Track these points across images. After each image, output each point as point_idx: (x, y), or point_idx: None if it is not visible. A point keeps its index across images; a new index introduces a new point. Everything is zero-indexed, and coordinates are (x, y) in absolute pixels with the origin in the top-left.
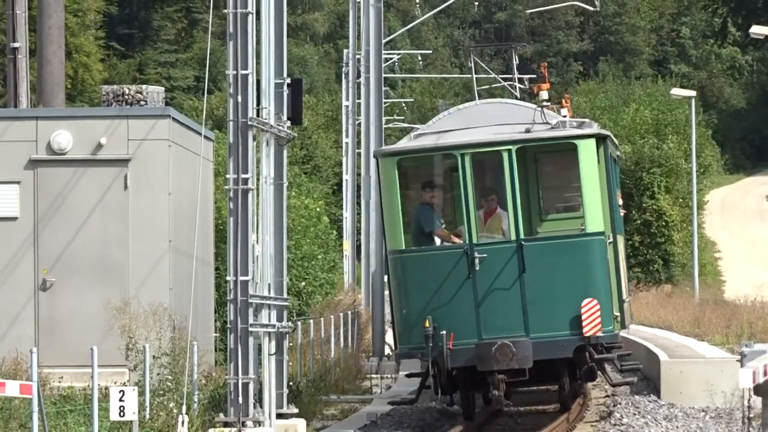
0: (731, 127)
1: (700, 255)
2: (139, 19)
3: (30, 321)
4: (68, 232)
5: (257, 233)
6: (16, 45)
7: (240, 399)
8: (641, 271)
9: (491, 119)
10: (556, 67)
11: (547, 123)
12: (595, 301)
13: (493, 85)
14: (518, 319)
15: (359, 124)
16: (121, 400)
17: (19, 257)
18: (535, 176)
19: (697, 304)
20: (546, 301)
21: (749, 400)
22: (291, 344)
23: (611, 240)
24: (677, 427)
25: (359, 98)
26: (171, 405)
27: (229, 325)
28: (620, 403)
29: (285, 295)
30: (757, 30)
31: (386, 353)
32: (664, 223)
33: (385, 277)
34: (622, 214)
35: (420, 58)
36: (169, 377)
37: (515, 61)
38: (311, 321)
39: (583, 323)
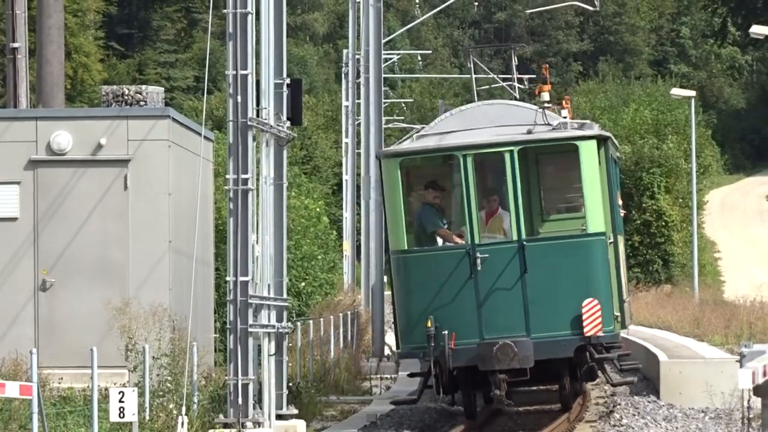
0: (731, 127)
1: (699, 255)
2: (138, 19)
3: (30, 321)
4: (68, 233)
5: (257, 233)
6: (15, 45)
7: (240, 400)
8: (641, 272)
9: (493, 120)
10: (556, 67)
11: (549, 124)
12: (596, 301)
13: (492, 86)
14: (519, 319)
15: (359, 125)
16: (120, 401)
17: (19, 258)
18: (537, 177)
19: (696, 304)
20: (547, 301)
21: (749, 400)
22: (291, 345)
23: (612, 240)
24: (677, 427)
25: (359, 98)
26: (171, 406)
27: (228, 326)
28: (620, 404)
29: (285, 296)
30: (756, 30)
31: (386, 354)
32: (663, 224)
33: (385, 278)
34: (622, 214)
35: (420, 58)
36: (169, 378)
37: (514, 62)
38: (311, 321)
39: (584, 323)
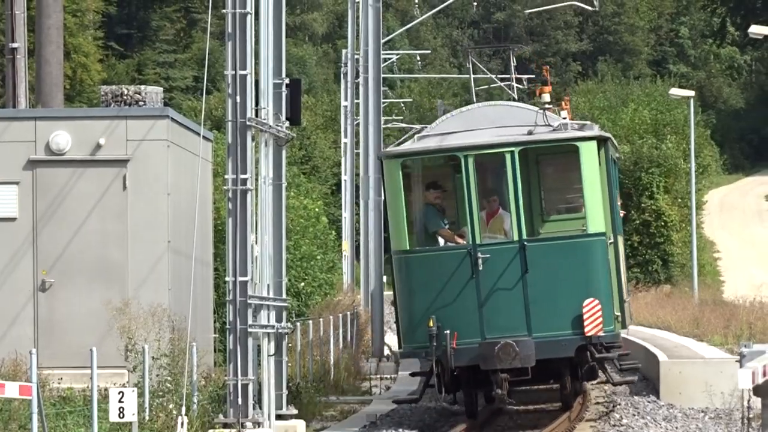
0: (730, 127)
1: (699, 255)
2: (137, 20)
3: (29, 322)
4: (67, 233)
5: (256, 234)
6: (14, 45)
7: (239, 400)
8: (640, 272)
9: (494, 121)
10: (555, 67)
11: (549, 125)
12: (597, 301)
13: (491, 85)
14: (521, 319)
15: (358, 125)
16: (120, 401)
17: (18, 258)
18: (537, 177)
19: (696, 304)
20: (548, 300)
21: (748, 400)
22: (290, 345)
23: (612, 241)
24: (677, 427)
25: (358, 98)
26: (170, 406)
27: (228, 326)
28: (619, 404)
29: (284, 296)
30: (755, 30)
31: (385, 354)
32: (663, 224)
33: (385, 278)
34: (621, 215)
35: (419, 58)
36: (169, 378)
37: (513, 63)
38: (310, 322)
39: (585, 323)
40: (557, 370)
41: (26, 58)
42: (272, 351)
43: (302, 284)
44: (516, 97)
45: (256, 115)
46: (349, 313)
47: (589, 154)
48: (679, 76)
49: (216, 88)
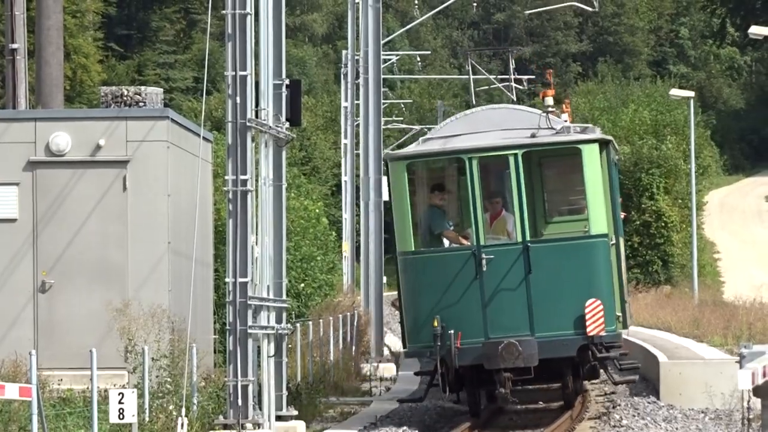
0: (730, 127)
1: (699, 256)
2: (137, 20)
3: (29, 323)
4: (67, 234)
5: (256, 235)
6: (14, 46)
7: (239, 401)
8: (640, 272)
9: (497, 124)
10: (555, 68)
11: (552, 128)
12: (599, 302)
13: (491, 86)
14: (524, 319)
15: (358, 125)
16: (120, 402)
17: (19, 259)
18: (540, 180)
19: (696, 305)
20: (551, 301)
21: (748, 401)
22: (290, 346)
23: (614, 242)
24: (677, 428)
25: (358, 99)
26: (170, 407)
27: (228, 327)
28: (619, 405)
29: (284, 297)
30: (755, 30)
31: (385, 355)
32: (663, 224)
33: (385, 278)
34: (622, 216)
35: (419, 59)
36: (169, 379)
37: (512, 65)
38: (310, 323)
39: (587, 323)
40: (559, 370)
41: (26, 59)
42: (272, 352)
43: (302, 285)
44: (515, 99)
45: (256, 116)
46: (349, 314)
47: (591, 156)
48: (679, 77)
49: (216, 89)
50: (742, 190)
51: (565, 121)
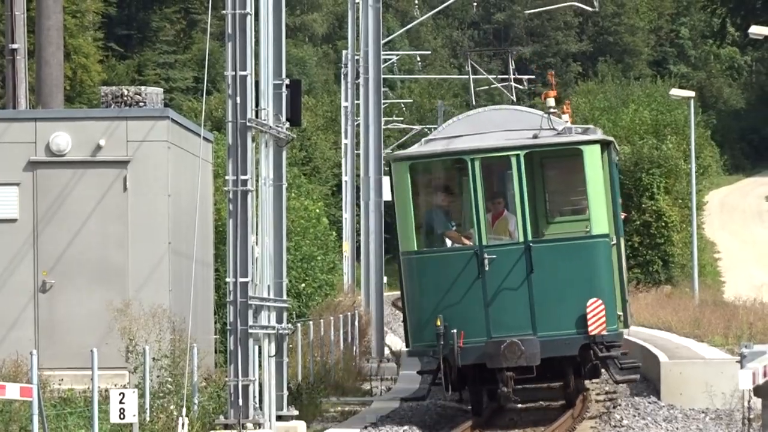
0: (730, 127)
1: (699, 256)
2: (137, 20)
3: (30, 323)
4: (68, 234)
5: (257, 235)
6: (14, 46)
7: (240, 401)
8: (641, 272)
9: (499, 125)
10: (555, 68)
11: (554, 129)
12: (600, 301)
13: (491, 86)
14: (526, 318)
15: (358, 125)
16: (121, 402)
17: (19, 259)
18: (542, 180)
19: (696, 305)
20: (553, 300)
21: (749, 401)
22: (291, 346)
23: (615, 242)
24: (677, 428)
25: (358, 99)
26: (171, 407)
27: (228, 327)
28: (620, 405)
29: (284, 297)
30: (755, 30)
31: (386, 355)
32: (663, 224)
33: (386, 279)
34: (623, 217)
35: (419, 58)
36: (169, 379)
37: (512, 65)
38: (311, 323)
39: (589, 322)
40: (561, 369)
41: (26, 59)
42: (273, 352)
43: (303, 285)
44: (515, 99)
45: (257, 116)
46: (349, 313)
47: (592, 157)
48: (680, 77)
49: (216, 89)
50: (742, 189)
51: (566, 122)
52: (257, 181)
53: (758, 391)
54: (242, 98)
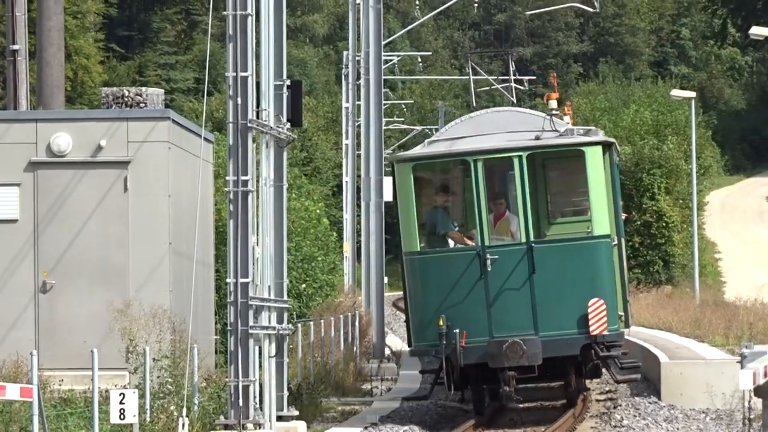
0: (731, 128)
1: (700, 256)
2: (138, 21)
3: (30, 324)
4: (68, 235)
5: (257, 235)
6: (15, 47)
7: (240, 401)
8: (641, 272)
9: (502, 127)
10: (556, 69)
11: (556, 130)
12: (602, 301)
13: (492, 87)
14: (528, 318)
15: (359, 126)
16: (121, 402)
17: (20, 260)
18: (544, 181)
19: (697, 305)
20: (554, 300)
21: (749, 401)
22: (291, 346)
23: (616, 242)
24: (678, 428)
25: (359, 100)
26: (171, 408)
27: (229, 327)
28: (620, 405)
29: (285, 297)
30: (756, 31)
31: (386, 355)
32: (664, 224)
33: (386, 279)
34: (623, 217)
35: (420, 59)
36: (170, 380)
37: (512, 67)
38: (311, 323)
39: (590, 322)
40: (563, 368)
41: (27, 60)
42: (273, 352)
43: (303, 285)
44: (515, 100)
45: (257, 117)
46: (350, 314)
47: (594, 158)
48: (680, 77)
49: (217, 90)
50: (743, 190)
51: (567, 123)
52: (258, 181)
53: (759, 391)
54: (243, 99)
